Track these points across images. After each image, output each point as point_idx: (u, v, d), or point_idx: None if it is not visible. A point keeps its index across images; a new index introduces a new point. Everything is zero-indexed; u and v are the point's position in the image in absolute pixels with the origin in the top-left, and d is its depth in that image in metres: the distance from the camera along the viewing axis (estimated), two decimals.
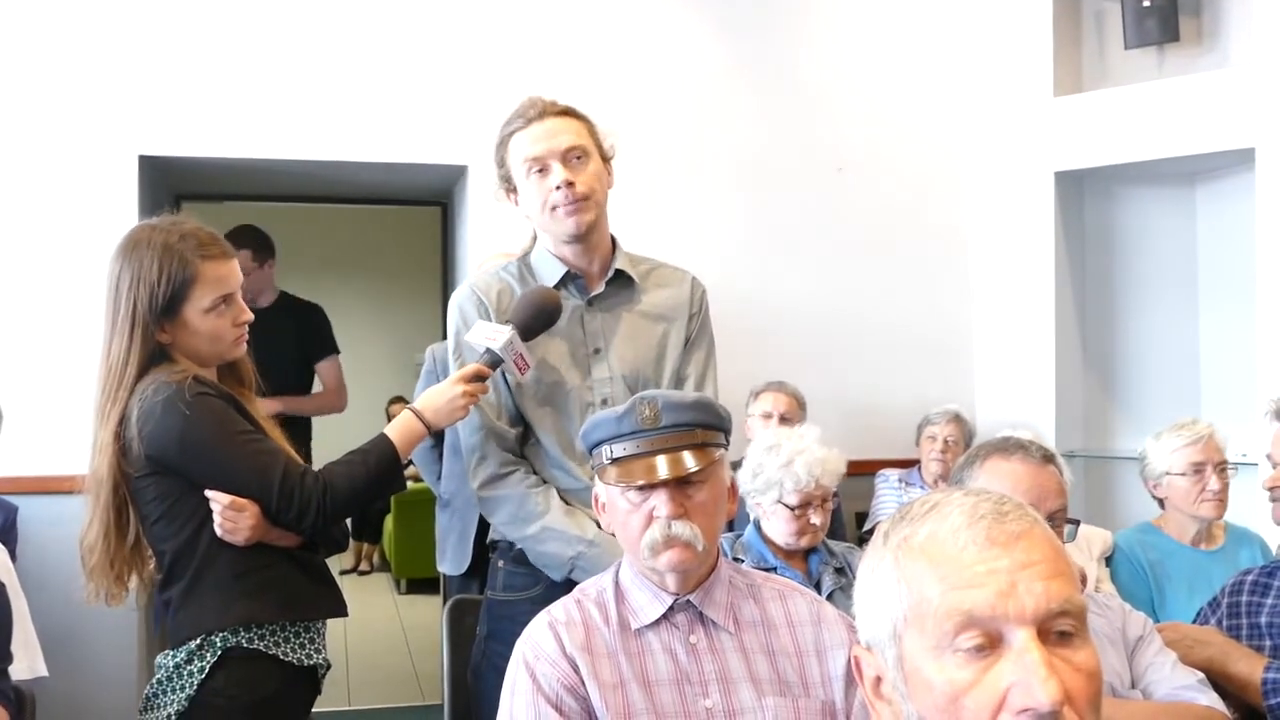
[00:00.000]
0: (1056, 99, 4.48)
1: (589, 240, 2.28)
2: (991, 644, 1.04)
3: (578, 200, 2.21)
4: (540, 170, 2.22)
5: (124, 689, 3.82)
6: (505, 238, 3.89)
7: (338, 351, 4.83)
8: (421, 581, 7.87)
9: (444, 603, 2.81)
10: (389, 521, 8.38)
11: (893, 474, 4.25)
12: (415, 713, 5.33)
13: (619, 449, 1.74)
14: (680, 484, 1.72)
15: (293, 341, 4.64)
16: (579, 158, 2.24)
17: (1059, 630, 1.05)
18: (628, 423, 1.75)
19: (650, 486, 1.71)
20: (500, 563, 2.34)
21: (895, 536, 1.13)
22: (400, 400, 8.59)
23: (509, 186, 2.31)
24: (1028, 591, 1.04)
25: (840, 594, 2.61)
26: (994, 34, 4.59)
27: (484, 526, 2.79)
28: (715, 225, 4.37)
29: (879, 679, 1.14)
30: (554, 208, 2.22)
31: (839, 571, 2.71)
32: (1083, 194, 4.64)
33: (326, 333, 4.82)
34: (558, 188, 2.20)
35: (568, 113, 2.27)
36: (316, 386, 4.82)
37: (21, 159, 3.87)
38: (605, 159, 2.31)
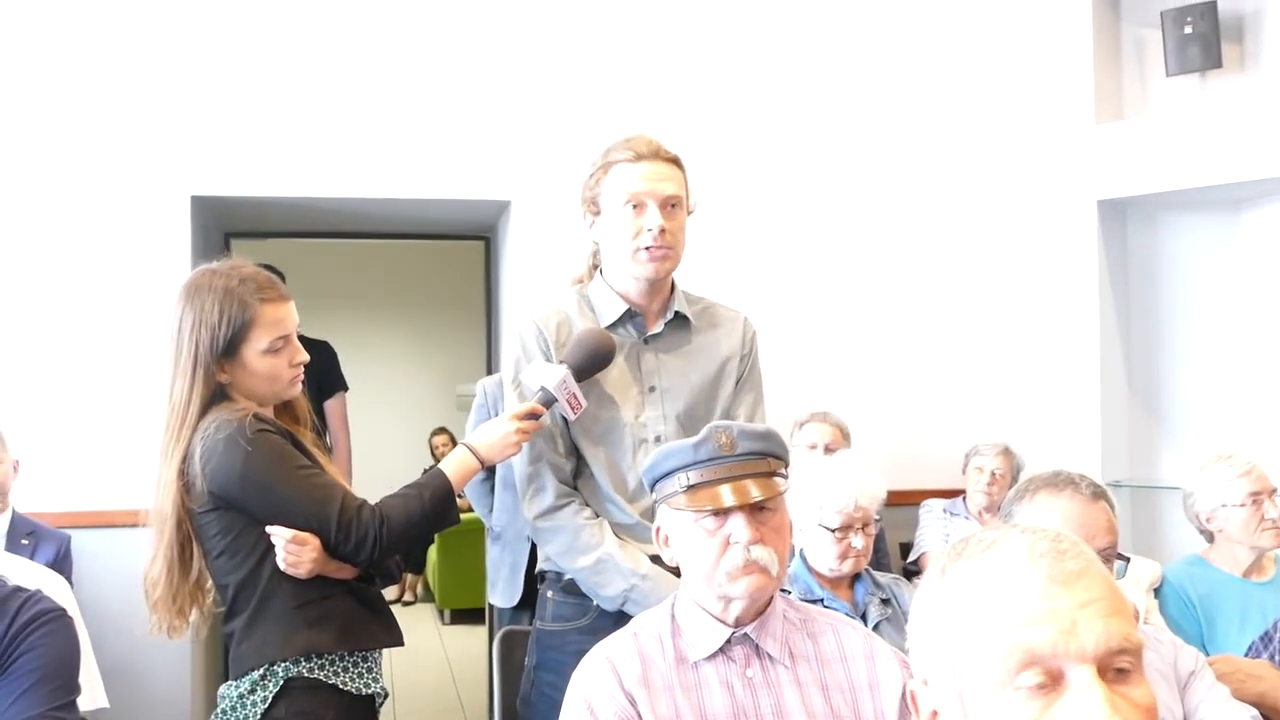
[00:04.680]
0: (1098, 126, 4.47)
1: (657, 284, 2.35)
2: (1053, 682, 1.05)
3: (666, 248, 2.29)
4: (637, 206, 2.29)
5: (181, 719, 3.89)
6: (547, 271, 3.96)
7: (346, 388, 4.77)
8: (466, 612, 7.91)
9: (490, 634, 2.84)
10: (432, 552, 8.41)
11: (937, 504, 4.21)
12: None
13: (695, 475, 1.76)
14: (755, 510, 1.74)
15: (309, 380, 4.67)
16: (674, 207, 2.31)
17: (1118, 668, 1.06)
18: (705, 450, 1.77)
19: (725, 512, 1.73)
20: (550, 593, 2.37)
21: (953, 572, 1.14)
22: (443, 431, 8.65)
23: (594, 209, 2.36)
24: (1088, 629, 1.05)
25: (887, 625, 2.60)
26: (1034, 62, 4.58)
27: (534, 559, 2.82)
28: (758, 255, 4.38)
29: (935, 714, 1.15)
30: (639, 249, 2.28)
31: (885, 603, 2.70)
32: (1126, 222, 4.63)
33: (336, 368, 4.78)
34: (650, 229, 2.27)
35: (675, 162, 2.35)
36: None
37: (79, 200, 3.97)
38: (688, 213, 2.38)
